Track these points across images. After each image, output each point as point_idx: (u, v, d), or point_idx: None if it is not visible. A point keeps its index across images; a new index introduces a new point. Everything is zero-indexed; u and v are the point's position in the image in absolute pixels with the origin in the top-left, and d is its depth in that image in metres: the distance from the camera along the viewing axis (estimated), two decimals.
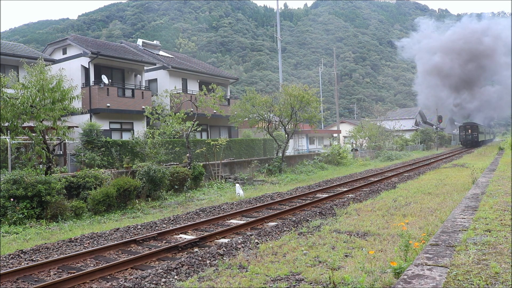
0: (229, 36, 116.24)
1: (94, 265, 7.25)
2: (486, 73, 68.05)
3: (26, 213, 10.89)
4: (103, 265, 6.82)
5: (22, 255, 7.80)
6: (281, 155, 23.98)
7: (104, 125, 20.42)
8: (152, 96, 24.52)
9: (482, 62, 63.86)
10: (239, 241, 7.84)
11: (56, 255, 7.80)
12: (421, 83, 72.37)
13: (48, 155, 13.03)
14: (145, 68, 25.16)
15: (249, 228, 9.63)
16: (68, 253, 7.88)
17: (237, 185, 16.00)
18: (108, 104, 20.92)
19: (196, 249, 7.93)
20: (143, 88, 23.98)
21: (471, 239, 4.78)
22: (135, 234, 9.39)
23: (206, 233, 9.08)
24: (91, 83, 21.10)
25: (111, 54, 22.44)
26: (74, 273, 6.61)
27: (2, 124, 12.45)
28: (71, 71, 20.74)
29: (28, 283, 6.35)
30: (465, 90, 68.07)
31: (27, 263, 7.30)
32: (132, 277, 6.16)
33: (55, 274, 6.81)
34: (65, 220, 11.47)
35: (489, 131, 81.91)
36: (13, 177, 11.17)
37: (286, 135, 25.20)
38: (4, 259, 7.59)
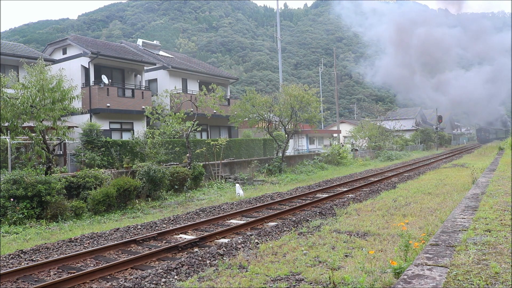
0: (229, 36, 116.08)
1: (94, 265, 7.25)
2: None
3: (26, 213, 10.89)
4: (103, 265, 6.82)
5: (22, 255, 7.81)
6: (281, 155, 23.98)
7: (104, 125, 20.41)
8: (152, 96, 24.52)
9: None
10: (239, 241, 7.84)
11: (56, 255, 7.81)
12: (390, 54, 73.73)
13: (48, 155, 13.03)
14: (145, 68, 25.16)
15: (249, 228, 9.63)
16: (68, 253, 7.88)
17: (237, 185, 16.00)
18: (108, 104, 20.92)
19: (196, 249, 7.93)
20: (143, 88, 23.97)
21: (471, 239, 4.77)
22: (135, 234, 9.39)
23: (206, 233, 9.08)
24: (91, 83, 21.10)
25: (111, 54, 22.44)
26: (74, 273, 6.61)
27: (2, 124, 12.45)
28: (71, 71, 20.73)
29: (28, 283, 6.35)
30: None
31: (27, 263, 7.31)
32: (132, 277, 6.16)
33: (55, 274, 6.82)
34: (65, 220, 11.47)
35: (498, 131, 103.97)
36: (13, 177, 11.17)
37: (286, 135, 25.19)
38: (4, 259, 7.59)
